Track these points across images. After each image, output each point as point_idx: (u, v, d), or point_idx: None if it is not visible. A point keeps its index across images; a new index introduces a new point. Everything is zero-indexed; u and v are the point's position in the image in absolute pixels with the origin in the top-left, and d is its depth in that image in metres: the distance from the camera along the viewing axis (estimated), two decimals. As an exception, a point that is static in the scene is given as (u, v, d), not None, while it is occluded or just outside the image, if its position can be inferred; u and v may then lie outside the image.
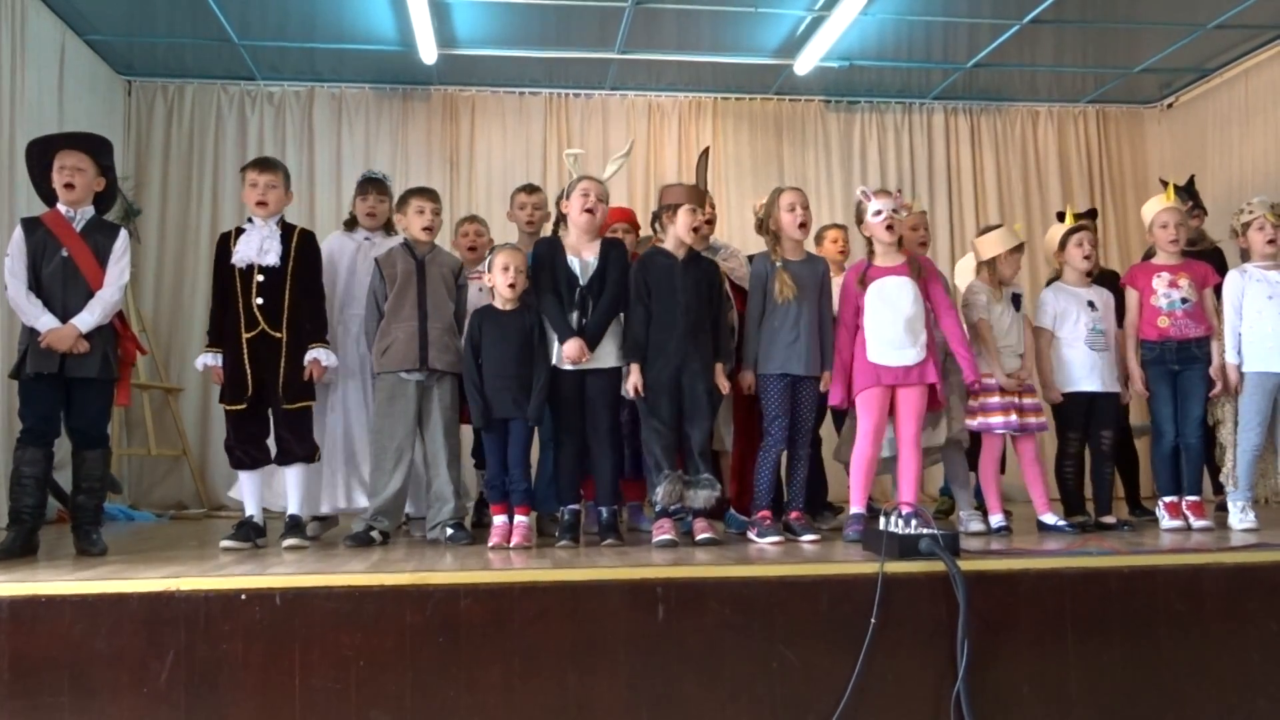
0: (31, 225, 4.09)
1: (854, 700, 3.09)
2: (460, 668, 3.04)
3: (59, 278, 4.02)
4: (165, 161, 7.32)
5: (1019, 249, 4.61)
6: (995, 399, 4.49)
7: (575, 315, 4.13)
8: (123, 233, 4.21)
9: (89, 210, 4.15)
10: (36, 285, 4.02)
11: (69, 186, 4.06)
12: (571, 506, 4.18)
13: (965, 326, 4.54)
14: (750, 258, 4.73)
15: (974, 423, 4.55)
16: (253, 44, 6.89)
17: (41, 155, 4.15)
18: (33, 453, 3.99)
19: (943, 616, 3.18)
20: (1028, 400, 4.53)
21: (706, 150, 4.65)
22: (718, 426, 4.46)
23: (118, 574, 3.34)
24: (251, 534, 4.18)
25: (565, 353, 4.07)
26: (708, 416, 4.17)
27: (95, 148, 4.20)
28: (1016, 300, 4.62)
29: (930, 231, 5.06)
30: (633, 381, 4.09)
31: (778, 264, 4.30)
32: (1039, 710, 3.22)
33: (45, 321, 3.95)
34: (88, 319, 3.99)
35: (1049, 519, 4.47)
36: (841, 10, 6.29)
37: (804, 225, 4.38)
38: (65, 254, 4.04)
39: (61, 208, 4.10)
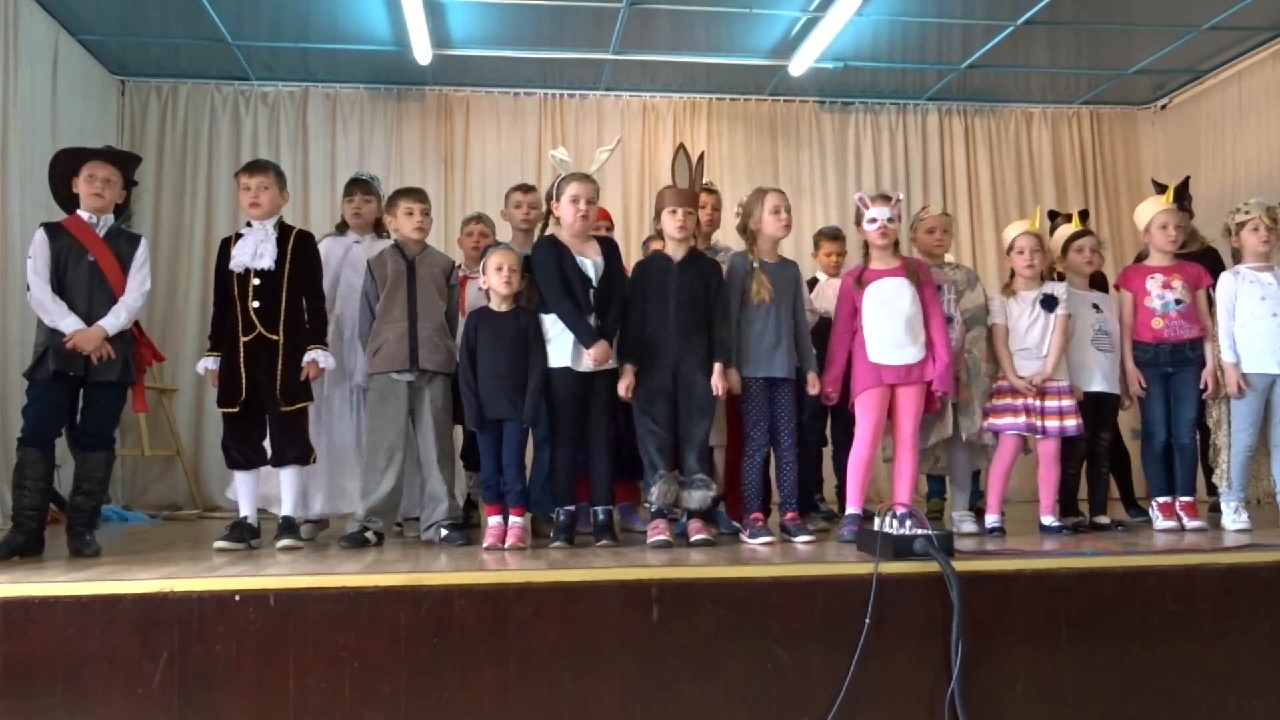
0: (54, 230, 4.13)
1: (848, 700, 3.09)
2: (455, 669, 3.04)
3: (84, 282, 4.06)
4: (159, 162, 7.31)
5: (1037, 248, 4.59)
6: (1005, 400, 4.50)
7: (591, 317, 4.11)
8: (143, 241, 4.27)
9: (110, 218, 4.21)
10: (59, 289, 4.05)
11: (98, 196, 4.12)
12: (566, 507, 4.17)
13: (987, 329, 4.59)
14: None
15: (984, 422, 4.56)
16: (247, 44, 6.88)
17: (68, 162, 4.19)
18: (34, 454, 4.00)
19: (937, 617, 3.19)
20: (1051, 402, 4.46)
21: (681, 146, 4.62)
22: (717, 423, 4.46)
23: (111, 575, 3.33)
24: (245, 535, 4.17)
25: (593, 356, 4.06)
26: (708, 416, 4.17)
27: (127, 163, 4.29)
28: (1048, 301, 4.54)
29: (951, 234, 4.97)
30: (626, 383, 4.10)
31: (755, 264, 4.30)
32: (1033, 710, 3.23)
33: (70, 323, 3.98)
34: (114, 322, 4.04)
35: (1048, 520, 4.48)
36: (836, 11, 6.30)
37: (787, 227, 4.38)
38: (92, 259, 4.08)
39: (84, 214, 4.14)
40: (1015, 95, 8.07)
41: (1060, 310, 4.53)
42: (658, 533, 3.99)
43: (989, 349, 4.62)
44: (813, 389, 4.33)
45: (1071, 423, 4.46)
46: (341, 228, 5.07)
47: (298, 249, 4.32)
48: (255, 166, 4.40)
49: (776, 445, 4.33)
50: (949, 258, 5.00)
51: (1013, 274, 4.70)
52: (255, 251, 4.24)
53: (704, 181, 4.87)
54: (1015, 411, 4.47)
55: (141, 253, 4.21)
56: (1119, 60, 7.41)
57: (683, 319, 4.15)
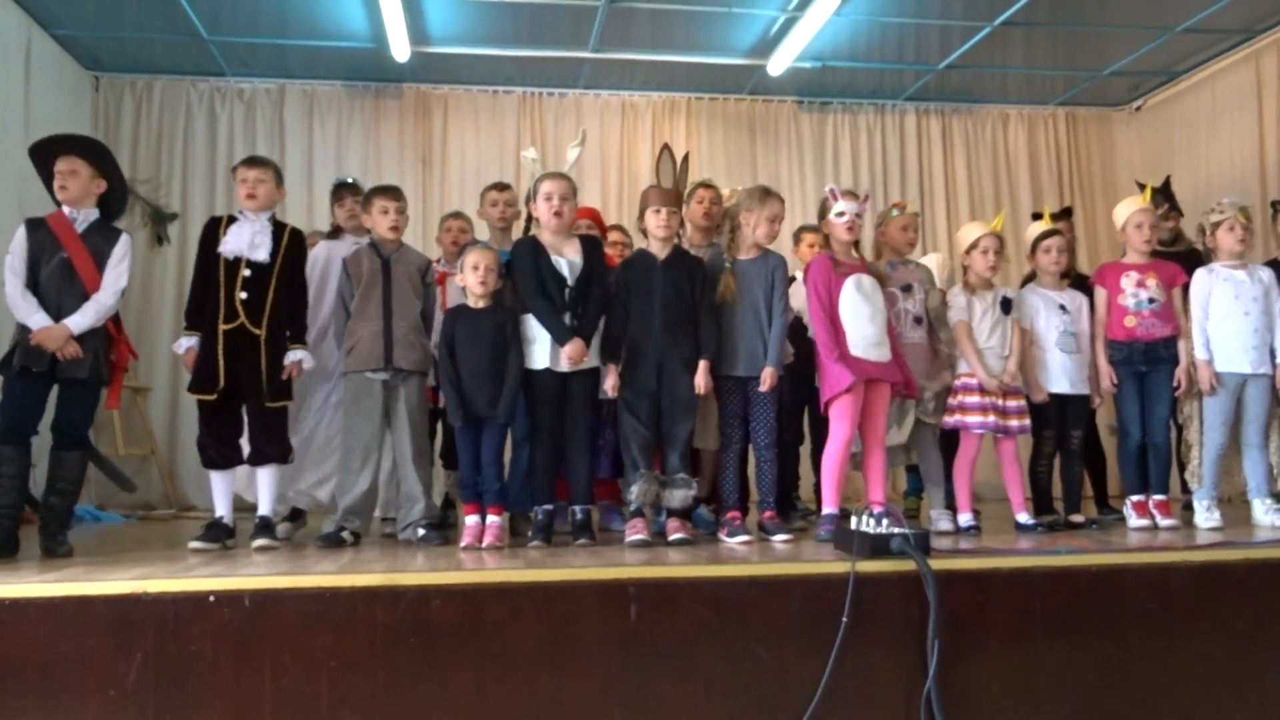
0: (34, 225, 4.09)
1: (826, 699, 3.10)
2: (432, 669, 3.03)
3: (56, 279, 4.02)
4: (133, 158, 7.23)
5: (999, 249, 4.63)
6: (974, 399, 4.52)
7: (567, 316, 4.11)
8: (123, 238, 4.19)
9: (92, 213, 4.15)
10: (34, 285, 4.01)
11: (62, 189, 4.08)
12: (545, 507, 4.17)
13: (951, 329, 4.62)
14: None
15: (951, 420, 4.59)
16: (222, 40, 6.83)
17: (46, 159, 4.15)
18: (8, 451, 3.95)
19: (914, 615, 3.20)
20: (1012, 402, 4.54)
21: (666, 146, 4.62)
22: (706, 425, 4.48)
23: (84, 576, 3.29)
24: (221, 535, 4.14)
25: (566, 354, 4.06)
26: (690, 415, 4.17)
27: (87, 150, 4.20)
28: (1006, 303, 4.60)
29: (920, 233, 5.04)
30: (610, 383, 4.11)
31: (728, 264, 4.30)
32: (1009, 708, 3.24)
33: (38, 320, 3.94)
34: (80, 321, 3.99)
35: (1023, 518, 4.51)
36: (814, 11, 6.32)
37: (774, 236, 4.42)
38: (64, 255, 4.04)
39: (65, 209, 4.11)
40: (992, 96, 8.12)
41: (1015, 314, 4.61)
42: (636, 532, 3.99)
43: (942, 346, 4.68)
44: (763, 385, 4.21)
45: (1027, 422, 4.56)
46: (333, 233, 5.06)
47: (291, 245, 4.31)
48: (254, 161, 4.39)
49: (755, 444, 4.34)
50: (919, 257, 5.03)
51: (965, 273, 4.73)
52: (251, 242, 4.21)
53: (703, 178, 4.89)
54: (984, 410, 4.50)
55: (120, 249, 4.14)
56: (1095, 62, 7.47)
57: (667, 318, 4.16)
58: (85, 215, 4.12)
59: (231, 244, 4.21)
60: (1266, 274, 4.69)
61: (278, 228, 4.31)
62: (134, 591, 2.99)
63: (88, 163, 4.13)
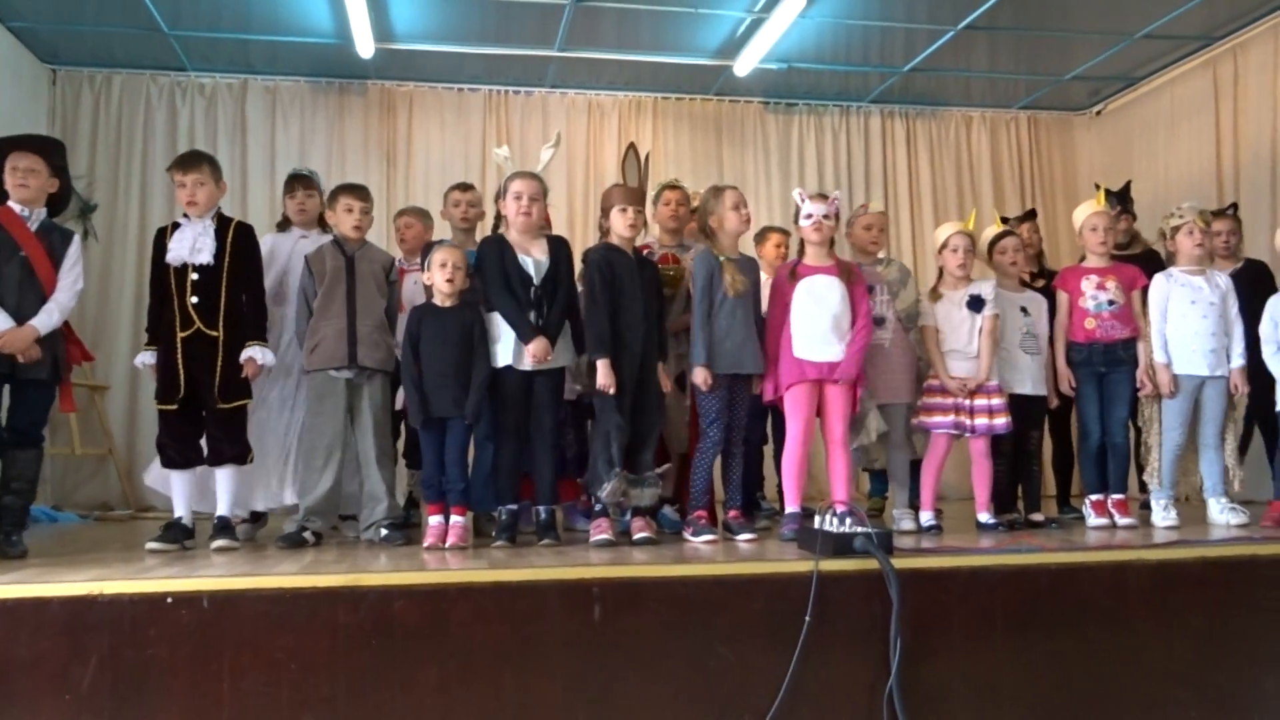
0: None
1: (790, 697, 3.11)
2: (395, 670, 3.01)
3: (15, 278, 3.95)
4: (92, 153, 7.13)
5: (970, 248, 4.67)
6: (936, 399, 4.57)
7: (532, 314, 4.10)
8: (76, 239, 4.18)
9: (42, 212, 4.10)
10: None
11: (22, 187, 4.01)
12: (509, 506, 4.15)
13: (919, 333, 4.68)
14: None
15: (915, 420, 4.64)
16: (184, 34, 6.74)
17: None
18: None
19: (876, 614, 3.22)
20: (980, 401, 4.54)
21: (631, 146, 4.63)
22: (677, 427, 4.47)
23: (38, 577, 3.23)
24: (179, 536, 4.09)
25: (531, 352, 4.03)
26: (662, 413, 4.20)
27: (47, 149, 4.16)
28: (975, 302, 4.60)
29: (887, 234, 5.07)
30: (606, 378, 4.03)
31: (722, 259, 4.32)
32: (970, 705, 3.27)
33: (0, 321, 3.87)
34: (46, 321, 3.95)
35: (984, 517, 4.55)
36: (780, 12, 6.35)
37: (747, 222, 4.44)
38: (24, 255, 3.97)
39: (15, 206, 4.03)
40: (956, 99, 8.19)
41: (988, 311, 4.60)
42: (600, 531, 3.99)
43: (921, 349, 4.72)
44: (755, 389, 4.36)
45: (1001, 421, 4.54)
46: (283, 225, 5.00)
47: (237, 242, 4.23)
48: (189, 163, 4.25)
49: (728, 442, 4.34)
50: (881, 254, 5.06)
51: (940, 274, 4.77)
52: (194, 246, 4.14)
53: (670, 179, 4.91)
54: (945, 410, 4.54)
55: (74, 250, 4.12)
56: (1056, 66, 7.55)
57: (650, 315, 4.17)
58: (37, 214, 4.07)
59: (174, 251, 4.14)
60: (1224, 279, 4.76)
61: (223, 225, 4.23)
62: (90, 593, 2.95)
63: (46, 162, 4.09)
